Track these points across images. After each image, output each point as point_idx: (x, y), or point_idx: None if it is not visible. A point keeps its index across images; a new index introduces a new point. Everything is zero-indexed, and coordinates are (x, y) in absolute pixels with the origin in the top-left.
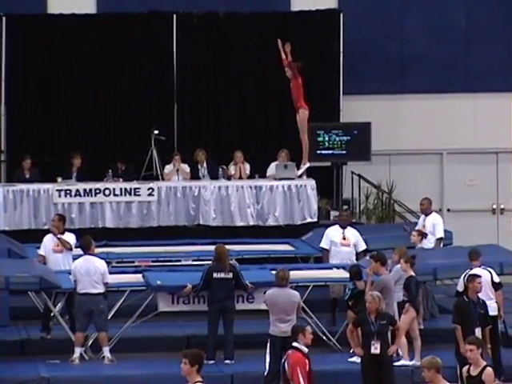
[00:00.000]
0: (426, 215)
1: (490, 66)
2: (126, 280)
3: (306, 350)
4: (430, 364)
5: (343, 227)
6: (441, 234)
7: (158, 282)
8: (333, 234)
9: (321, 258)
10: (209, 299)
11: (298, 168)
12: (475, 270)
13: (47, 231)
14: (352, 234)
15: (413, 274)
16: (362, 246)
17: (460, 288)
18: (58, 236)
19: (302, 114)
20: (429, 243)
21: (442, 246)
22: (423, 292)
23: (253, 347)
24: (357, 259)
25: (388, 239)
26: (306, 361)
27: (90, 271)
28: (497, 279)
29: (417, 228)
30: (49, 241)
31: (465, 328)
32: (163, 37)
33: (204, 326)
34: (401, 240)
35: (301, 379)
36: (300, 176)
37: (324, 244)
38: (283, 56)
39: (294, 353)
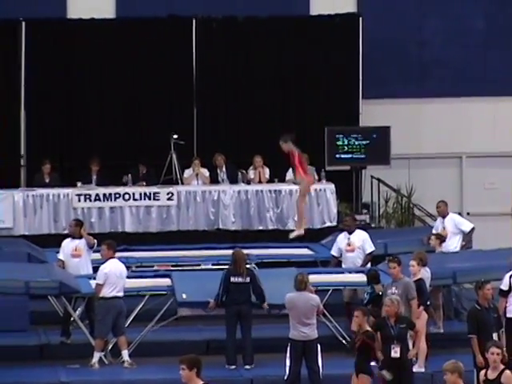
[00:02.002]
0: (444, 217)
1: (509, 69)
2: (146, 284)
3: None
4: (454, 368)
5: (350, 232)
6: (470, 226)
7: (184, 297)
8: (340, 241)
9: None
10: (226, 303)
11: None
12: None
13: (66, 236)
14: (358, 237)
15: (422, 277)
16: (369, 249)
17: (504, 287)
18: (82, 231)
19: (307, 184)
20: (452, 245)
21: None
22: (443, 296)
23: (272, 351)
24: (365, 262)
25: (407, 243)
26: None
27: (122, 274)
28: None
29: (434, 232)
30: (67, 245)
31: (482, 336)
32: (182, 41)
33: (223, 331)
34: (421, 244)
35: None
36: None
37: (333, 251)
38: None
39: None
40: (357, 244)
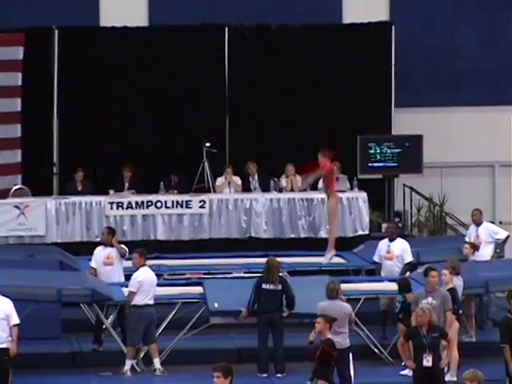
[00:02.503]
0: (478, 226)
1: None
2: (178, 292)
3: None
4: (474, 377)
5: (391, 240)
6: (505, 234)
7: (216, 305)
8: (381, 247)
9: (372, 271)
10: (257, 311)
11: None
12: None
13: (99, 243)
14: (399, 246)
15: (454, 285)
16: (407, 259)
17: None
18: (114, 241)
19: (334, 200)
20: (486, 254)
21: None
22: (476, 305)
23: (304, 360)
24: (403, 272)
25: (440, 252)
26: None
27: (154, 283)
28: None
29: (468, 240)
30: (99, 253)
31: None
32: (215, 49)
33: (255, 339)
34: (453, 253)
35: None
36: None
37: (375, 257)
38: (311, 179)
39: None
40: (396, 253)
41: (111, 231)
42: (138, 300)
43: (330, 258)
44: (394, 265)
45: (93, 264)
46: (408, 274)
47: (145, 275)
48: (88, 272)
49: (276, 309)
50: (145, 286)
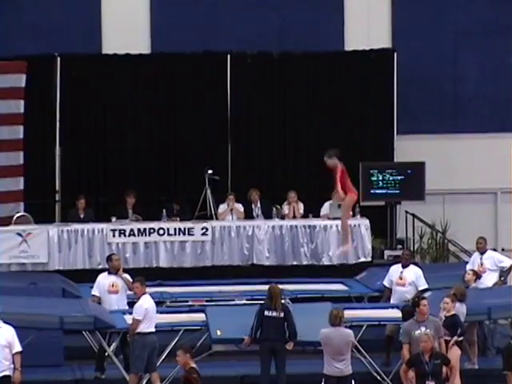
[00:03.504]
0: (482, 254)
1: None
2: (180, 319)
3: None
4: None
5: (404, 266)
6: (510, 262)
7: (218, 333)
8: (393, 272)
9: (376, 298)
10: (260, 338)
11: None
12: None
13: (101, 271)
14: (412, 273)
15: (456, 312)
16: (422, 285)
17: None
18: (121, 274)
19: (351, 199)
20: (490, 281)
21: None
22: (478, 331)
23: None
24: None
25: (442, 279)
26: None
27: (155, 310)
28: None
29: (470, 267)
30: (103, 281)
31: None
32: (217, 76)
33: (257, 366)
34: (455, 280)
35: None
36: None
37: (385, 282)
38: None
39: None
40: (409, 279)
41: (119, 257)
42: (142, 328)
43: (341, 252)
44: (406, 291)
45: (95, 292)
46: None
47: (149, 303)
48: (90, 300)
49: (278, 336)
50: (150, 313)
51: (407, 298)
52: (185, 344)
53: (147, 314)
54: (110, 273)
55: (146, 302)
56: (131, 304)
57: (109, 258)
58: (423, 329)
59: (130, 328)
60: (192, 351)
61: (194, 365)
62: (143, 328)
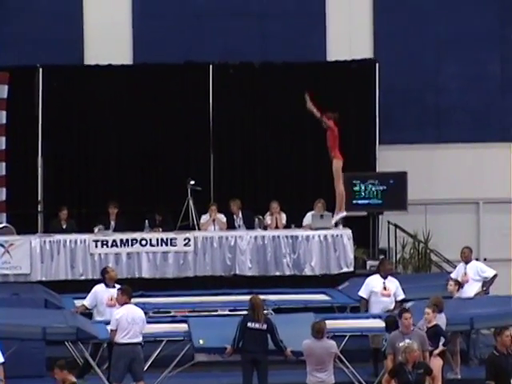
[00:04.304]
0: (467, 263)
1: None
2: (163, 330)
3: None
4: None
5: (384, 277)
6: (492, 272)
7: (201, 342)
8: (374, 283)
9: (358, 308)
10: (242, 349)
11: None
12: None
13: (84, 282)
14: (392, 283)
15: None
16: (400, 296)
17: None
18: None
19: (336, 164)
20: (472, 291)
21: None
22: (461, 341)
23: None
24: (394, 308)
25: (425, 289)
26: None
27: (136, 320)
28: None
29: (454, 277)
30: (102, 293)
31: (500, 382)
32: (199, 87)
33: (239, 376)
34: (438, 290)
35: None
36: (336, 225)
37: (363, 293)
38: (315, 112)
39: None
40: (392, 290)
41: (113, 269)
42: (117, 338)
43: (338, 218)
44: (390, 302)
45: (87, 302)
46: None
47: (124, 313)
48: (75, 309)
49: (261, 348)
50: (122, 323)
51: (390, 308)
52: (61, 360)
53: (120, 325)
54: (107, 285)
55: (120, 312)
56: None
57: (105, 271)
58: (407, 340)
59: (110, 338)
60: (68, 365)
61: (73, 379)
62: (118, 338)
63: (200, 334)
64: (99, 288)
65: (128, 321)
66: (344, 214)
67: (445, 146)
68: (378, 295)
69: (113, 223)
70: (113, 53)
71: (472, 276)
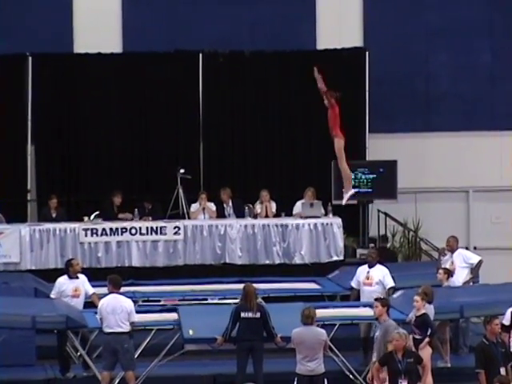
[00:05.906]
0: (452, 252)
1: None
2: (153, 319)
3: None
4: None
5: (370, 266)
6: (477, 258)
7: (190, 333)
8: (360, 273)
9: (347, 297)
10: (237, 339)
11: (326, 206)
12: None
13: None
14: (378, 272)
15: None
16: (389, 284)
17: (506, 322)
18: (93, 293)
19: (338, 143)
20: (460, 279)
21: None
22: (451, 330)
23: None
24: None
25: (414, 277)
26: None
27: (116, 310)
28: None
29: (442, 265)
30: (66, 286)
31: (490, 371)
32: (189, 76)
33: (230, 365)
34: (428, 278)
35: None
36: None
37: (353, 283)
38: (320, 85)
39: None
40: (376, 279)
41: (78, 261)
42: (103, 327)
43: (348, 196)
44: (374, 291)
45: (53, 295)
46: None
47: (105, 302)
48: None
49: (256, 336)
50: (102, 313)
51: (376, 296)
52: None
53: (101, 314)
54: (70, 277)
55: (102, 302)
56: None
57: (69, 263)
58: (378, 331)
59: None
60: None
61: None
62: (103, 328)
63: (190, 323)
64: (62, 280)
65: (107, 310)
66: (353, 191)
67: (435, 135)
68: (361, 285)
69: (115, 210)
70: (102, 41)
71: (459, 264)
